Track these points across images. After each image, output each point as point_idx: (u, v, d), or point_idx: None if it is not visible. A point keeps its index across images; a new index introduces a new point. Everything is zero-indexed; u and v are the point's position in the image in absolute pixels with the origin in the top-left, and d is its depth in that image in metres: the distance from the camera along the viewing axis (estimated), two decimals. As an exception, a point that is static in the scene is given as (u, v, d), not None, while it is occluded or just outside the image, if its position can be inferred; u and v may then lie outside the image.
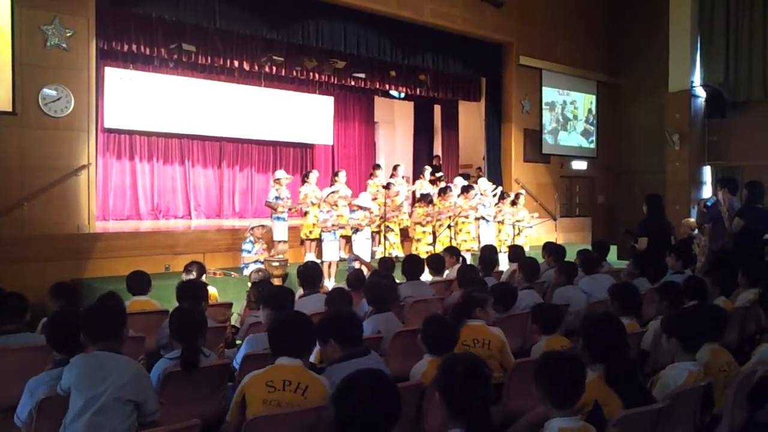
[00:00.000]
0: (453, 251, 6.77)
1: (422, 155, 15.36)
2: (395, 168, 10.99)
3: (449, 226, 9.52)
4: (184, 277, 5.09)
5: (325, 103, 14.67)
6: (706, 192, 14.76)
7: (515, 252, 7.06)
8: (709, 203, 8.02)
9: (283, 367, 2.83)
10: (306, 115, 14.31)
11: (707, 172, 14.81)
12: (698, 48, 14.33)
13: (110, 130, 12.10)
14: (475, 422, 2.04)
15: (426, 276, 7.05)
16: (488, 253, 6.42)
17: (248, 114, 13.44)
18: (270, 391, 2.74)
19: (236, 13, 9.87)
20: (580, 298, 5.28)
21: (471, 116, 15.45)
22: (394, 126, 16.93)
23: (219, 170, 13.93)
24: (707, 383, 2.94)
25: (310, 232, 9.51)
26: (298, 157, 15.11)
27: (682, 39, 14.24)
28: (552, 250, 6.74)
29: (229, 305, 5.30)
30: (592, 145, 15.63)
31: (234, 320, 5.36)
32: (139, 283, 4.96)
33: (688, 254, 6.52)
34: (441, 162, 15.01)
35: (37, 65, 8.10)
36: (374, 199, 9.91)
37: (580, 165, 15.35)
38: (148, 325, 4.48)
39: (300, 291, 5.28)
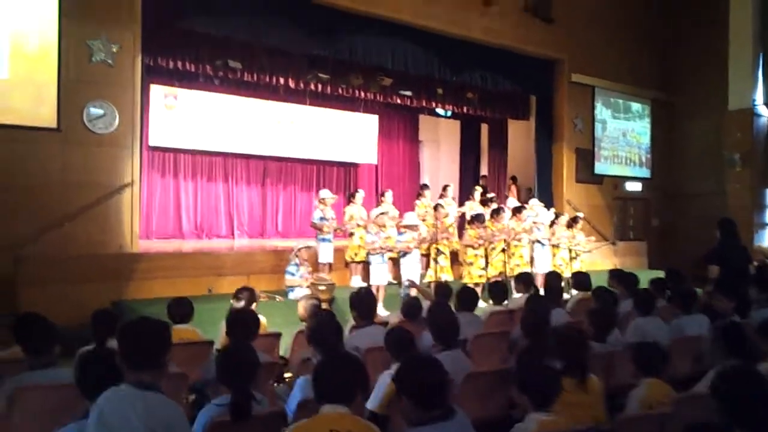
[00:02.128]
0: (526, 279, 6.24)
1: (469, 175, 14.92)
2: (445, 188, 10.55)
3: (503, 250, 9.03)
4: (234, 304, 4.72)
5: (370, 122, 14.39)
6: (769, 216, 14.01)
7: (581, 279, 6.54)
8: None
9: (327, 417, 2.43)
10: (350, 134, 14.05)
11: (770, 195, 14.05)
12: (760, 64, 13.66)
13: (154, 148, 11.98)
14: None
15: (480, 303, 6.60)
16: (554, 282, 5.92)
17: (292, 132, 13.22)
18: None
19: (283, 29, 9.67)
20: (659, 333, 4.75)
21: (519, 136, 14.97)
22: (439, 145, 16.55)
23: (262, 189, 13.71)
24: None
25: (356, 254, 9.14)
26: (342, 176, 14.83)
27: (743, 54, 13.57)
28: (622, 277, 6.19)
29: (278, 336, 4.91)
30: (647, 166, 15.00)
31: (283, 350, 4.97)
32: (182, 309, 4.60)
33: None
34: (487, 182, 14.53)
35: (83, 81, 7.95)
36: (423, 220, 9.49)
37: (634, 186, 14.70)
38: (191, 358, 4.13)
39: (351, 320, 4.89)
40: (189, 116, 11.98)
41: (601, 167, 13.98)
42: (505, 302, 5.96)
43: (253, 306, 4.83)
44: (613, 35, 13.85)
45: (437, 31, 11.04)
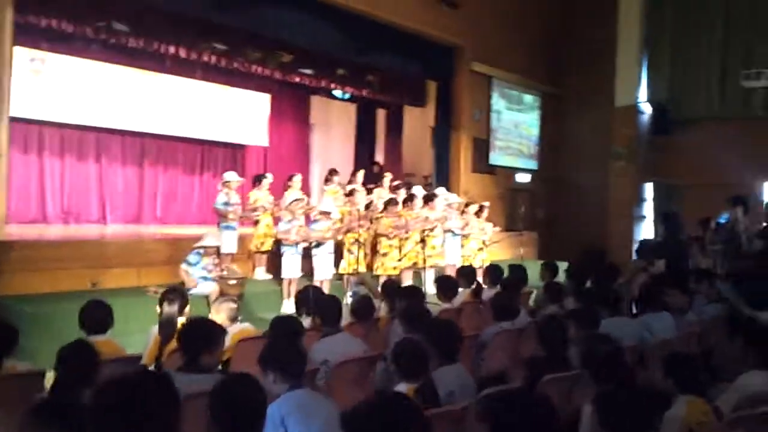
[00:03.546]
0: (469, 273, 5.78)
1: (363, 161, 14.39)
2: (354, 174, 9.96)
3: (422, 240, 8.58)
4: (165, 308, 3.86)
5: (261, 101, 13.47)
6: (647, 209, 14.68)
7: (518, 274, 6.18)
8: (721, 221, 7.49)
9: None
10: (239, 113, 13.05)
11: (649, 189, 14.72)
12: (645, 63, 14.24)
13: (15, 119, 10.32)
14: None
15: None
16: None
17: (175, 108, 12.02)
18: None
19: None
20: (630, 334, 4.45)
21: (415, 123, 14.70)
22: (330, 129, 15.86)
23: (139, 170, 12.36)
24: None
25: (262, 244, 8.35)
26: (228, 159, 13.75)
27: (629, 53, 14.10)
28: (570, 272, 5.88)
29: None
30: (535, 158, 15.23)
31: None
32: (99, 315, 3.67)
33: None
34: (381, 169, 14.08)
35: (-63, 33, 6.56)
36: (331, 208, 8.85)
37: (523, 178, 14.87)
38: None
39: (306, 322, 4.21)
40: (58, 85, 10.49)
41: (494, 158, 13.99)
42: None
43: (186, 310, 4.00)
44: (511, 26, 13.86)
45: (344, 6, 10.39)
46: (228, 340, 3.48)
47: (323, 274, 7.76)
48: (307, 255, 7.96)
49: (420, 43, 11.98)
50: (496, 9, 13.35)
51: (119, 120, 11.43)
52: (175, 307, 3.83)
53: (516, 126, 14.61)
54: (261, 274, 8.38)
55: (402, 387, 2.83)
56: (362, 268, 8.19)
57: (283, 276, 7.62)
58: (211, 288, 6.67)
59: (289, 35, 10.07)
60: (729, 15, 13.51)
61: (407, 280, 8.83)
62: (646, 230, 14.31)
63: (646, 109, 14.18)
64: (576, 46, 15.05)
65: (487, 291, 5.81)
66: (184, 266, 7.00)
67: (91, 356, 2.80)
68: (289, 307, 7.56)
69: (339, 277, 8.26)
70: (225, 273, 6.86)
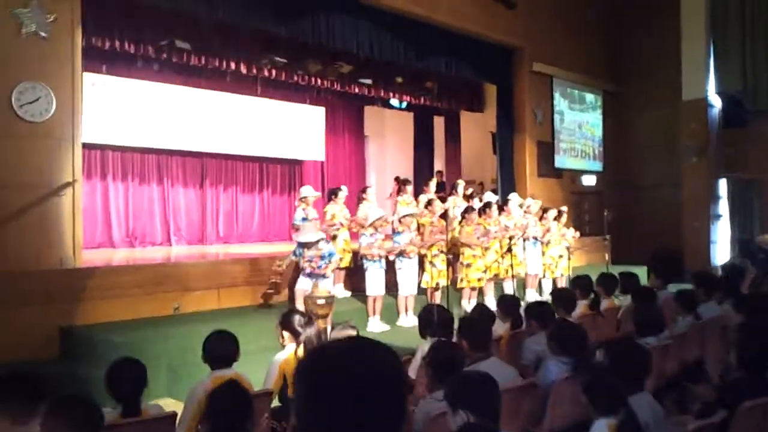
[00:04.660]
0: (585, 284, 5.31)
1: (423, 170, 14.04)
2: (427, 183, 9.60)
3: (509, 249, 8.13)
4: (306, 332, 3.49)
5: (316, 115, 13.23)
6: (723, 207, 13.98)
7: (633, 282, 5.71)
8: None
9: None
10: (295, 129, 12.82)
11: (722, 185, 14.02)
12: (712, 54, 13.58)
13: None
14: None
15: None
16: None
17: (233, 127, 11.88)
18: None
19: (240, 3, 8.39)
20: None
21: (473, 129, 14.31)
22: (385, 140, 15.56)
23: (201, 190, 12.25)
24: None
25: (340, 260, 8.01)
26: (286, 175, 13.57)
27: (696, 44, 13.46)
28: (702, 278, 5.36)
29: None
30: (599, 159, 14.67)
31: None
32: (225, 347, 3.32)
33: None
34: (444, 178, 13.71)
35: (10, 58, 6.40)
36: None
37: (589, 180, 14.30)
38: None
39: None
40: (118, 108, 10.41)
41: (560, 161, 13.49)
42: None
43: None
44: (569, 23, 13.39)
45: (401, 11, 10.05)
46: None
47: (408, 289, 7.39)
48: (389, 269, 7.61)
49: (478, 45, 11.60)
50: (553, 6, 12.91)
51: (179, 141, 11.33)
52: (313, 330, 3.47)
53: (579, 127, 14.10)
54: (340, 291, 8.04)
55: (601, 423, 2.42)
56: (443, 282, 7.78)
57: (368, 293, 7.26)
58: (308, 285, 6.38)
59: (351, 44, 9.76)
60: (799, -3, 12.83)
61: (489, 292, 8.44)
62: (722, 229, 13.61)
63: (716, 102, 13.51)
64: (637, 41, 14.48)
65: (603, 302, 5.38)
66: (292, 257, 6.91)
67: (245, 397, 2.48)
68: (375, 326, 7.22)
69: (421, 291, 7.87)
70: (312, 293, 6.52)
